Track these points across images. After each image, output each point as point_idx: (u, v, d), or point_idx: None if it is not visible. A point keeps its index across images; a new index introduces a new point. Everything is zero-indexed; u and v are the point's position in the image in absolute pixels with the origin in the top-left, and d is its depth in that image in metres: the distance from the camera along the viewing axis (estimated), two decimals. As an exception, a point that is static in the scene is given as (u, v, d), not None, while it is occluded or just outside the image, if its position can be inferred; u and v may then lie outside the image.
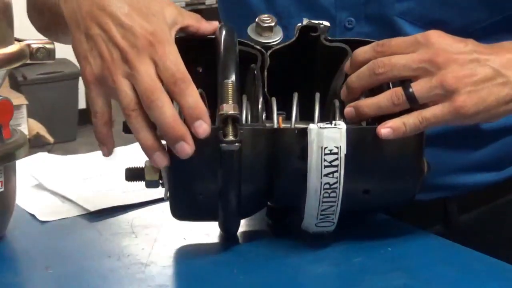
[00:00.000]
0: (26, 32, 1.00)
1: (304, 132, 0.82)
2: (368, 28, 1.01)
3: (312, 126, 0.82)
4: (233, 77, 0.82)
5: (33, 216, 1.01)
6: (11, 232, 0.95)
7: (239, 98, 0.84)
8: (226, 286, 0.82)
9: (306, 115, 0.89)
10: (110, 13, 0.82)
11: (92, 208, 1.02)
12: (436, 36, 0.85)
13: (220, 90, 0.82)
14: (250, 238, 0.93)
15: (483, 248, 0.87)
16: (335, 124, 0.81)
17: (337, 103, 0.88)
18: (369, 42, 0.90)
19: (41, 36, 1.02)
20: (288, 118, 0.88)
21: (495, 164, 1.05)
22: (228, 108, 0.80)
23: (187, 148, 0.80)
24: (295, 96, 0.89)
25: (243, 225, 0.92)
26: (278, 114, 0.87)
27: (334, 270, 0.85)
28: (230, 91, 0.81)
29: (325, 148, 0.81)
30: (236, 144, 0.80)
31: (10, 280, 0.84)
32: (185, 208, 0.87)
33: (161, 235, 0.94)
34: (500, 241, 1.04)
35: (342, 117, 0.86)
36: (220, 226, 0.88)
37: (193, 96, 0.80)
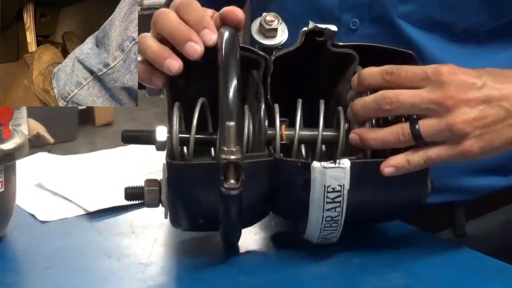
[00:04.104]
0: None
1: (307, 165, 0.80)
2: (372, 30, 1.01)
3: (315, 164, 0.80)
4: (235, 120, 0.78)
5: (33, 216, 1.01)
6: (11, 232, 0.95)
7: (242, 116, 0.82)
8: (226, 286, 0.82)
9: (310, 121, 0.87)
10: None
11: (92, 208, 1.02)
12: (447, 73, 0.81)
13: (222, 132, 0.78)
14: (250, 239, 0.93)
15: (491, 255, 0.87)
16: (338, 163, 0.79)
17: (341, 110, 0.86)
18: (376, 48, 0.89)
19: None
20: (291, 125, 0.86)
21: (502, 168, 1.04)
22: (231, 153, 0.77)
23: (195, 47, 0.81)
24: (299, 103, 0.86)
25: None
26: (281, 121, 0.86)
27: (334, 270, 0.85)
28: (233, 135, 0.78)
29: (328, 186, 0.80)
30: (237, 189, 0.77)
31: (10, 280, 0.84)
32: (185, 225, 0.87)
33: (161, 235, 0.93)
34: (508, 248, 1.03)
35: (346, 121, 0.86)
36: (221, 238, 0.88)
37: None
